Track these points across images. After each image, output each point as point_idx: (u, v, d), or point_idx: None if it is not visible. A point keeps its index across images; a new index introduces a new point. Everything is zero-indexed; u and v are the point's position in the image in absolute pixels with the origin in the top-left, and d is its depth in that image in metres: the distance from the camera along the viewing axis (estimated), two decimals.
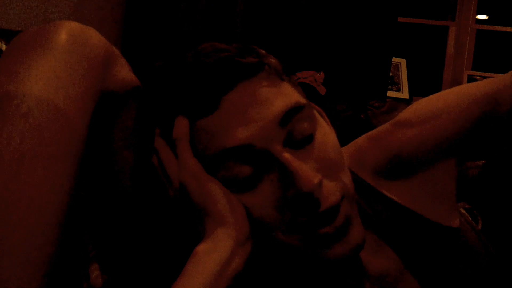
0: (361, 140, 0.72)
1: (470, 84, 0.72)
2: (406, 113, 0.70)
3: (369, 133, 0.71)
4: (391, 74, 2.49)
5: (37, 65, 0.50)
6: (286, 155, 0.52)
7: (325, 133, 0.57)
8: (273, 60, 0.58)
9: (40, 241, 0.47)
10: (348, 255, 0.54)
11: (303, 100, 0.56)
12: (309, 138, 0.55)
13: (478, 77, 2.57)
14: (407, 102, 2.27)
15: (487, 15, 3.43)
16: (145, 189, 0.63)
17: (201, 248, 0.53)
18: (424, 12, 3.17)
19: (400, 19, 2.48)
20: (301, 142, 0.54)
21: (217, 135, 0.52)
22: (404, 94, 2.55)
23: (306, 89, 2.21)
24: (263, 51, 0.59)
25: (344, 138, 0.74)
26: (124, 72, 0.58)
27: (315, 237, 0.54)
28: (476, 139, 0.68)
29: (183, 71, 0.55)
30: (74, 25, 0.54)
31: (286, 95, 0.54)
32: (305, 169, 0.51)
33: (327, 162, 0.54)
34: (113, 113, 0.59)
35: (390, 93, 2.44)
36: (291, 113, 0.53)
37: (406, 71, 2.59)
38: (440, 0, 3.24)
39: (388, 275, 0.65)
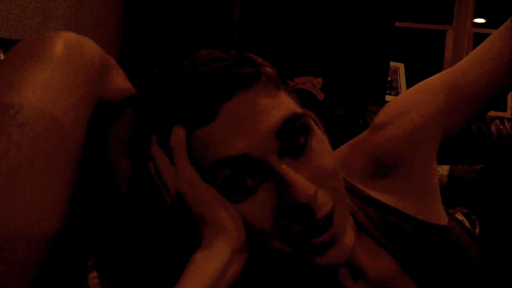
0: (343, 148, 0.74)
1: (431, 78, 0.75)
2: (379, 117, 0.73)
3: (350, 141, 0.74)
4: (389, 78, 2.50)
5: (33, 75, 0.50)
6: (283, 166, 0.52)
7: (319, 141, 0.57)
8: (269, 69, 0.58)
9: (38, 251, 0.48)
10: (341, 261, 0.55)
11: (299, 110, 0.56)
12: (305, 147, 0.55)
13: None
14: None
15: (484, 19, 3.44)
16: (143, 197, 0.63)
17: (198, 255, 0.53)
18: (421, 16, 3.18)
19: (398, 24, 2.49)
20: (297, 151, 0.54)
21: (214, 145, 0.53)
22: None
23: (304, 94, 2.21)
24: (260, 60, 0.59)
25: (343, 143, 0.75)
26: (119, 81, 0.59)
27: (310, 246, 0.54)
28: (449, 127, 0.71)
29: (180, 80, 0.55)
30: (70, 35, 0.55)
31: (283, 105, 0.54)
32: (301, 181, 0.51)
33: (322, 171, 0.55)
34: (109, 122, 0.59)
35: (388, 98, 2.45)
36: (288, 124, 0.53)
37: (404, 76, 2.60)
38: (437, 4, 3.25)
39: (387, 278, 0.66)
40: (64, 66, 0.52)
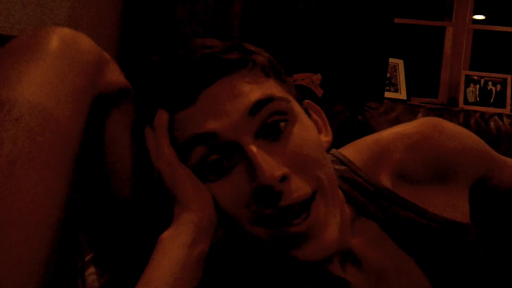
0: (384, 136, 0.72)
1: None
2: (436, 120, 0.72)
3: (393, 130, 0.72)
4: (389, 75, 2.49)
5: (28, 70, 0.50)
6: (252, 147, 0.53)
7: (303, 129, 0.57)
8: (260, 58, 0.59)
9: (36, 245, 0.47)
10: (319, 256, 0.55)
11: (280, 94, 0.57)
12: (284, 132, 0.55)
13: (475, 77, 2.57)
14: (405, 103, 2.27)
15: (484, 15, 3.44)
16: (142, 189, 0.63)
17: (166, 234, 0.55)
18: (420, 12, 3.18)
19: (397, 20, 2.48)
20: (274, 135, 0.55)
21: (189, 125, 0.55)
22: (402, 95, 2.55)
23: (303, 91, 2.21)
24: (253, 48, 0.60)
25: (341, 140, 0.75)
26: (115, 76, 0.59)
27: (285, 234, 0.54)
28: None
29: (167, 66, 0.57)
30: (65, 30, 0.55)
31: (263, 89, 0.56)
32: (268, 162, 0.52)
33: (301, 157, 0.55)
34: (105, 116, 0.59)
35: (387, 94, 2.44)
36: (262, 104, 0.54)
37: (403, 72, 2.59)
38: (436, 1, 3.25)
39: (388, 268, 0.65)
40: (59, 61, 0.52)
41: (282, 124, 0.55)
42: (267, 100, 0.55)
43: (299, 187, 0.54)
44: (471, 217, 0.71)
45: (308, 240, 0.54)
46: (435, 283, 0.65)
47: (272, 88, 0.57)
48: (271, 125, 0.55)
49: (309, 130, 0.58)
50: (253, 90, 0.55)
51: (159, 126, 0.57)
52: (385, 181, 0.68)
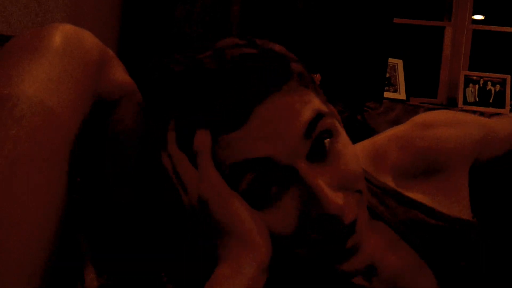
0: (380, 139, 0.72)
1: (475, 116, 0.78)
2: (426, 116, 0.73)
3: (388, 133, 0.73)
4: (388, 75, 2.50)
5: (30, 68, 0.50)
6: (311, 175, 0.50)
7: (344, 143, 0.55)
8: (299, 66, 0.55)
9: (35, 245, 0.47)
10: (363, 266, 0.54)
11: (324, 108, 0.54)
12: (331, 150, 0.53)
13: (474, 77, 2.57)
14: (404, 103, 2.28)
15: (483, 15, 3.44)
16: (142, 191, 0.63)
17: (222, 271, 0.50)
18: (420, 12, 3.18)
19: (396, 20, 2.49)
20: (323, 154, 0.52)
21: (239, 147, 0.50)
22: (401, 95, 2.55)
23: None
24: (290, 55, 0.56)
25: None
26: (118, 74, 0.58)
27: (335, 253, 0.53)
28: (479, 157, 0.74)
29: (206, 81, 0.51)
30: (68, 27, 0.54)
31: (310, 106, 0.52)
32: (331, 192, 0.49)
33: (347, 176, 0.53)
34: (108, 115, 0.59)
35: (387, 94, 2.45)
36: (314, 123, 0.51)
37: (403, 72, 2.60)
38: (436, 1, 3.25)
39: (403, 273, 0.65)
40: (62, 59, 0.51)
41: (327, 141, 0.52)
42: (317, 117, 0.51)
43: (351, 209, 0.52)
44: (472, 210, 0.71)
45: (354, 254, 0.53)
46: (443, 282, 0.65)
47: (315, 101, 0.53)
48: (320, 145, 0.52)
49: (348, 143, 0.55)
50: (302, 108, 0.50)
51: (203, 149, 0.51)
52: (388, 182, 0.69)
